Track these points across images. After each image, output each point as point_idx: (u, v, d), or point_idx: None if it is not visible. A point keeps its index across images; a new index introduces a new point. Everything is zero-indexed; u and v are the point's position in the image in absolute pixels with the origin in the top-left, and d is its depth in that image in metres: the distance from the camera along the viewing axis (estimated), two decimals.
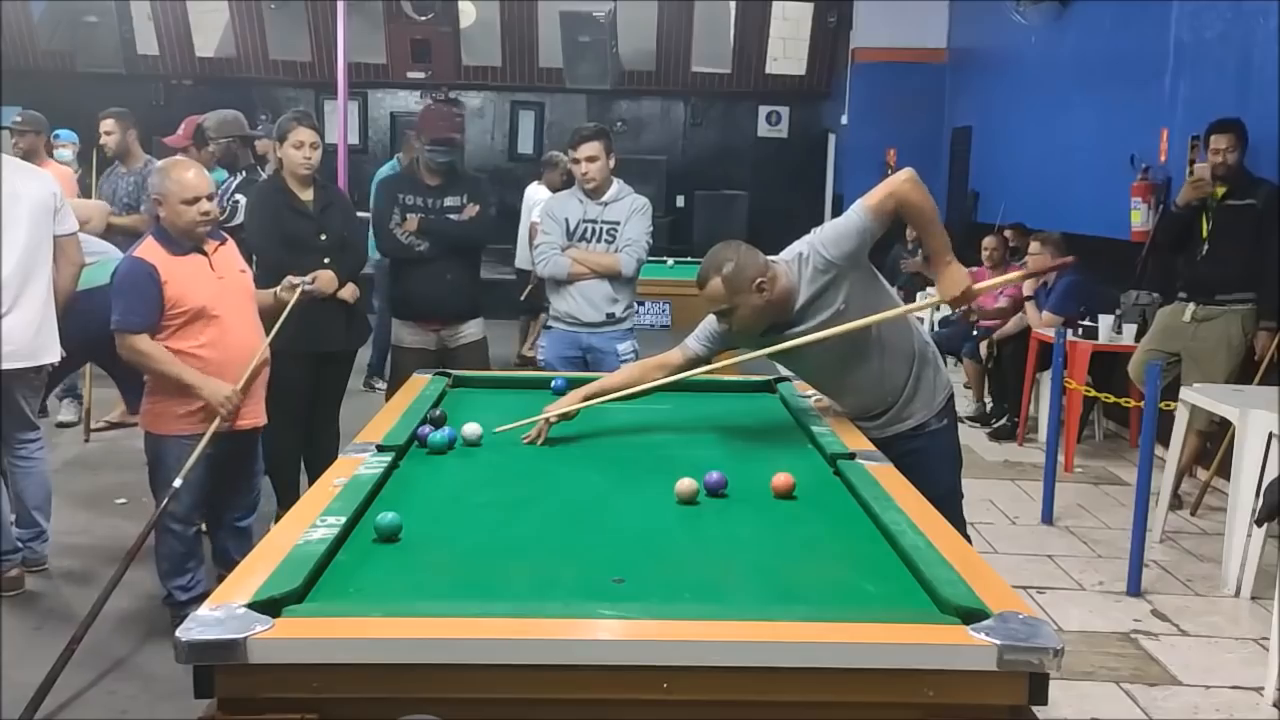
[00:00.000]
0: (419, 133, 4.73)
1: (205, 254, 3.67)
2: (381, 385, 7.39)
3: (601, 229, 4.68)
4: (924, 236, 3.07)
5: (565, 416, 3.14)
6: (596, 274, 4.64)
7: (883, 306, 3.06)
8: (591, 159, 4.60)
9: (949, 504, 3.17)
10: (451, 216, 4.73)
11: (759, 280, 2.92)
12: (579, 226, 4.67)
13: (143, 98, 11.29)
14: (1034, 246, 6.80)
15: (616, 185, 4.75)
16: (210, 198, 3.60)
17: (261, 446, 4.11)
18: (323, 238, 4.54)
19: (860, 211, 2.95)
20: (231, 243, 3.91)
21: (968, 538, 3.32)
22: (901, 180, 2.94)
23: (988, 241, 7.67)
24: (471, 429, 3.05)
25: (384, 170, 8.04)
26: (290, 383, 4.59)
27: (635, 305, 4.91)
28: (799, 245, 3.08)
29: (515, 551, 2.24)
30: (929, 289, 9.67)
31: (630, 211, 4.69)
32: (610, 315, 4.67)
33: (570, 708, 1.71)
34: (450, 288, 4.73)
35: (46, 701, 3.31)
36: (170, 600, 3.78)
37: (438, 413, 3.23)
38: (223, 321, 3.65)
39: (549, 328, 4.80)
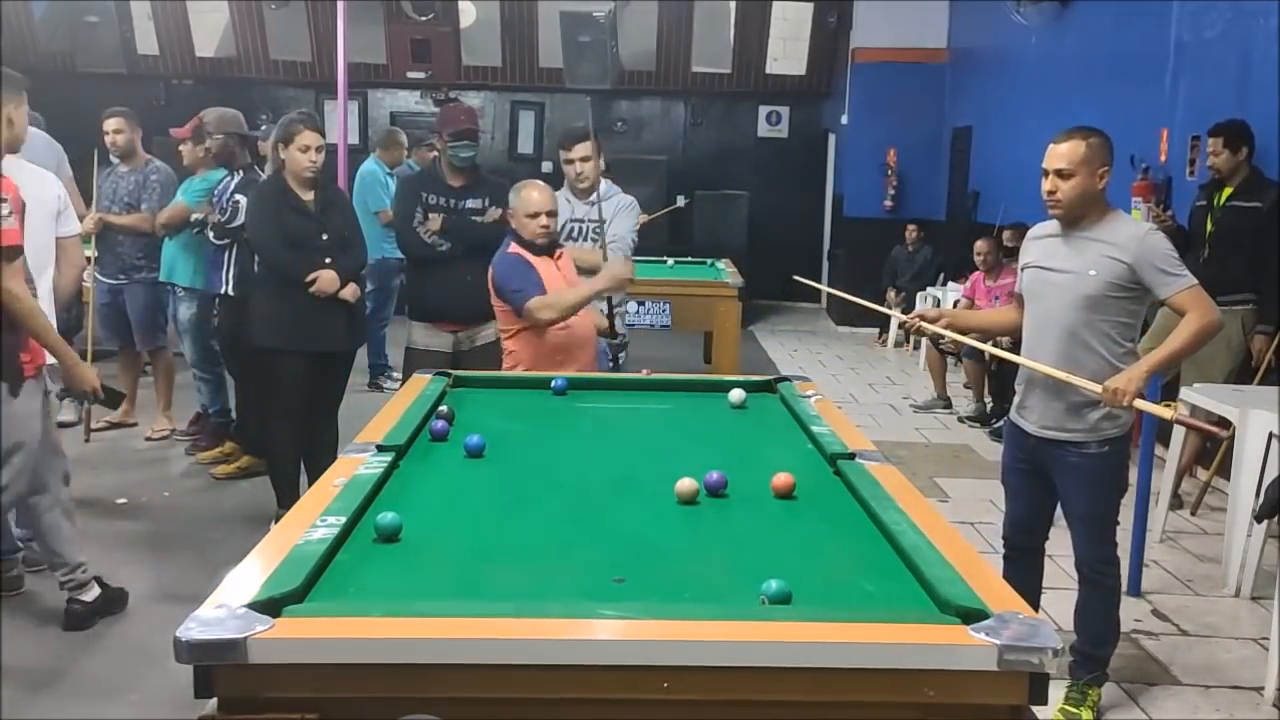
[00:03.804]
0: (441, 131, 4.73)
1: (553, 258, 4.16)
2: (390, 386, 7.39)
3: (588, 228, 4.70)
4: (1169, 344, 3.21)
5: (919, 331, 3.62)
6: (583, 271, 4.64)
7: (1096, 316, 3.23)
8: (585, 159, 4.63)
9: (1086, 525, 3.41)
10: (474, 218, 4.73)
11: (1103, 169, 3.22)
12: (567, 225, 4.69)
13: (143, 98, 11.26)
14: None
15: (604, 185, 4.76)
16: (550, 214, 4.09)
17: (264, 444, 4.11)
18: (324, 237, 4.55)
19: (1188, 281, 3.17)
20: (567, 251, 4.31)
21: (1113, 572, 3.48)
22: (1214, 318, 3.18)
23: (979, 246, 7.62)
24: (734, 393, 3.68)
25: (364, 168, 8.03)
26: (291, 382, 4.60)
27: (625, 303, 4.92)
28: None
29: (515, 551, 2.24)
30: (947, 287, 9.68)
31: (616, 209, 4.71)
32: (601, 311, 4.68)
33: (570, 708, 1.71)
34: (469, 290, 4.72)
35: (44, 703, 3.32)
36: None
37: (446, 409, 3.23)
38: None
39: None
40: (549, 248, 4.18)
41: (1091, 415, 3.27)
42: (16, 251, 3.47)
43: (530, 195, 4.11)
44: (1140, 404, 3.14)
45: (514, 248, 4.15)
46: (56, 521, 3.88)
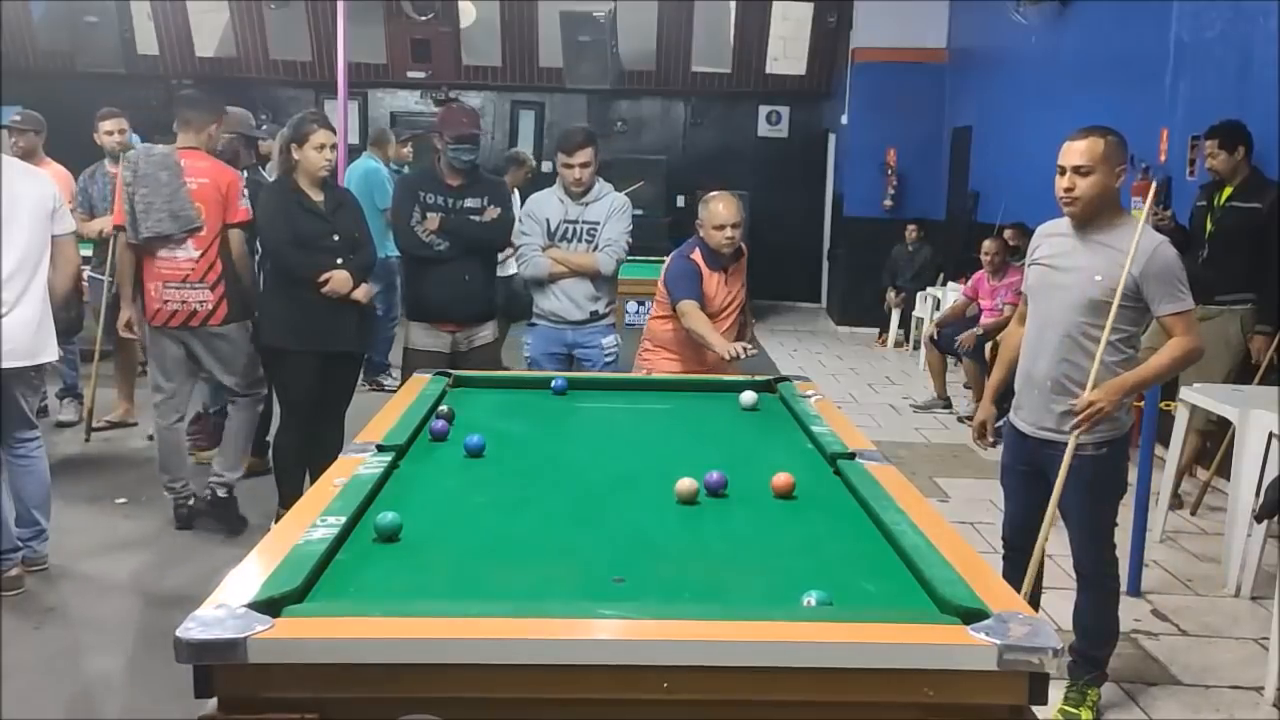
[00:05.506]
0: (441, 133, 4.73)
1: (726, 272, 4.45)
2: (391, 385, 7.38)
3: (581, 229, 4.69)
4: (1151, 365, 3.23)
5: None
6: (576, 273, 4.65)
7: (1097, 321, 3.19)
8: (585, 165, 4.62)
9: (1084, 527, 3.38)
10: (473, 218, 4.73)
11: (1120, 167, 3.21)
12: (559, 226, 4.69)
13: (143, 98, 11.27)
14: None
15: (598, 185, 4.76)
16: (735, 226, 4.34)
17: (269, 444, 4.11)
18: (335, 238, 4.54)
19: (1185, 305, 3.16)
20: (742, 262, 4.51)
21: (1111, 573, 3.47)
22: (1198, 345, 3.20)
23: (987, 246, 7.62)
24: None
25: (357, 166, 7.98)
26: (299, 382, 4.60)
27: (616, 301, 4.95)
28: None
29: (515, 551, 2.24)
30: (945, 287, 9.67)
31: (610, 211, 4.71)
32: (594, 313, 4.71)
33: (570, 708, 1.71)
34: (467, 290, 4.72)
35: (44, 702, 3.31)
36: None
37: (446, 409, 3.23)
38: (726, 318, 4.43)
39: (533, 325, 4.81)
40: (730, 259, 4.44)
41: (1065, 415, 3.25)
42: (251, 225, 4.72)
43: (717, 208, 4.37)
44: (1078, 432, 3.16)
45: (695, 253, 4.42)
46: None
